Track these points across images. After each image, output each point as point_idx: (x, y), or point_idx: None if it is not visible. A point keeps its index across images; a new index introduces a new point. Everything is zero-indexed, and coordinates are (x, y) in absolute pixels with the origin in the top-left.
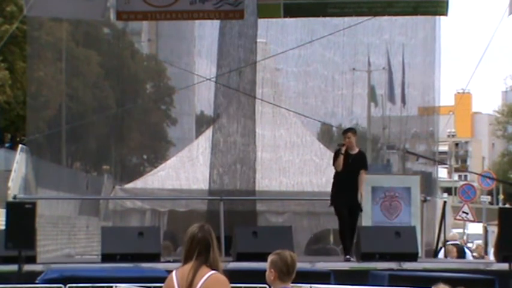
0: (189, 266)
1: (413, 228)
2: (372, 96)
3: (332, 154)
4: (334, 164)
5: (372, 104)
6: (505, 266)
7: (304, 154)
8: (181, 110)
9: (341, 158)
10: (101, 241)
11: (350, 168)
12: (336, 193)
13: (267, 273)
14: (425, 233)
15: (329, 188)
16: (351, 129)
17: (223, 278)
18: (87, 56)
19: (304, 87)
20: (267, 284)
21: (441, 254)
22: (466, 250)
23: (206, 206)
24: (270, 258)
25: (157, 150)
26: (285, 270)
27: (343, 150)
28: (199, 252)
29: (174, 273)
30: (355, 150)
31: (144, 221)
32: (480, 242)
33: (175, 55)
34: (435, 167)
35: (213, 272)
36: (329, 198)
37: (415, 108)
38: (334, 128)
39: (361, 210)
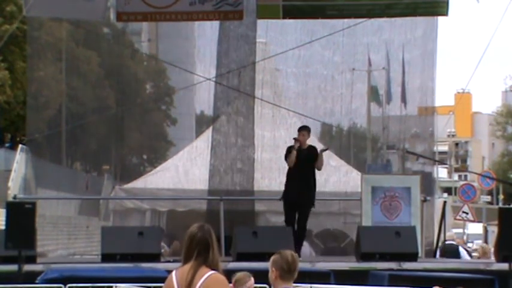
0: (188, 266)
1: (413, 228)
2: (374, 96)
3: (330, 153)
4: (286, 160)
5: (372, 104)
6: (505, 266)
7: None
8: (181, 110)
9: (294, 153)
10: (101, 241)
11: (302, 165)
12: (288, 189)
13: (269, 273)
14: (425, 233)
15: (328, 188)
16: (306, 127)
17: (222, 278)
18: (87, 56)
19: (303, 87)
20: (267, 283)
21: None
22: (462, 250)
23: (206, 206)
24: (272, 258)
25: (157, 150)
26: (286, 269)
27: (296, 146)
28: (198, 252)
29: (174, 273)
30: (306, 146)
31: (144, 221)
32: (480, 242)
33: (175, 55)
34: (435, 167)
35: (212, 272)
36: (328, 198)
37: (415, 108)
38: (334, 128)
39: (313, 206)
